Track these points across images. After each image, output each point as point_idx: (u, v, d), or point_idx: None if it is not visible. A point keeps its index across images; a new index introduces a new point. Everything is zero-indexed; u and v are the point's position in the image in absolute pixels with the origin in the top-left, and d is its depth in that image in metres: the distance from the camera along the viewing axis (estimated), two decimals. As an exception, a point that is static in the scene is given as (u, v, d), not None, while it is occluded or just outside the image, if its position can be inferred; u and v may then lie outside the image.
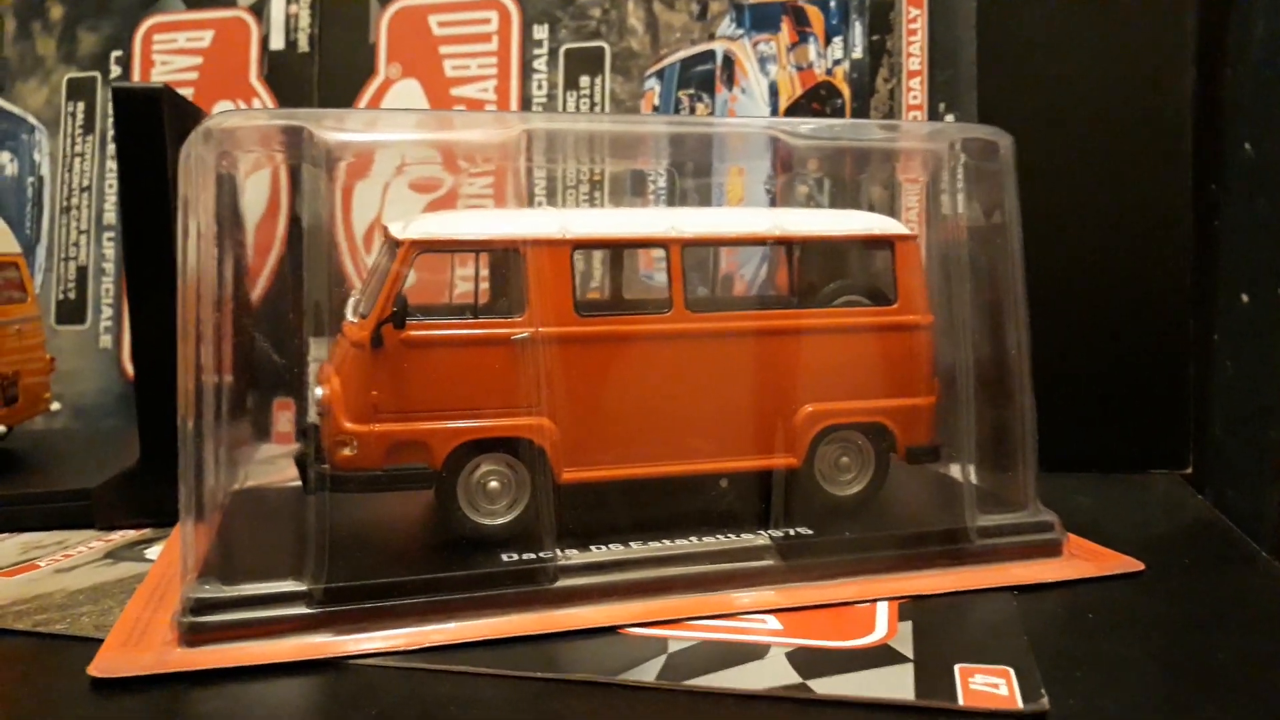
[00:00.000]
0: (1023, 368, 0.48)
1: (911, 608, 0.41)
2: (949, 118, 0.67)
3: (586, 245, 0.44)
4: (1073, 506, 0.56)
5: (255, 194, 0.78)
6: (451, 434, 0.43)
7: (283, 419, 0.78)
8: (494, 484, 0.44)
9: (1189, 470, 0.64)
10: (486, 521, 0.44)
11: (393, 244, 0.43)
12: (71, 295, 0.81)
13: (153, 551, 0.50)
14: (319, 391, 0.44)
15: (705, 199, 0.70)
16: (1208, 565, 0.47)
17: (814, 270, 0.48)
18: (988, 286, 0.48)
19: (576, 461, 0.44)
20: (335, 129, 0.40)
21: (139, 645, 0.38)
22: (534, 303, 0.43)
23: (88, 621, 0.41)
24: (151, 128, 0.53)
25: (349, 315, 0.45)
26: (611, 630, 0.39)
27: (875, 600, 0.42)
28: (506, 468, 0.44)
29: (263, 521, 0.47)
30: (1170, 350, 0.65)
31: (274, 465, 0.70)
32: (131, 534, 0.53)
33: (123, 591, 0.44)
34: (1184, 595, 0.44)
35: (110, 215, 0.81)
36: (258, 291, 0.78)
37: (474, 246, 0.43)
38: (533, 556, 0.42)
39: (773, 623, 0.40)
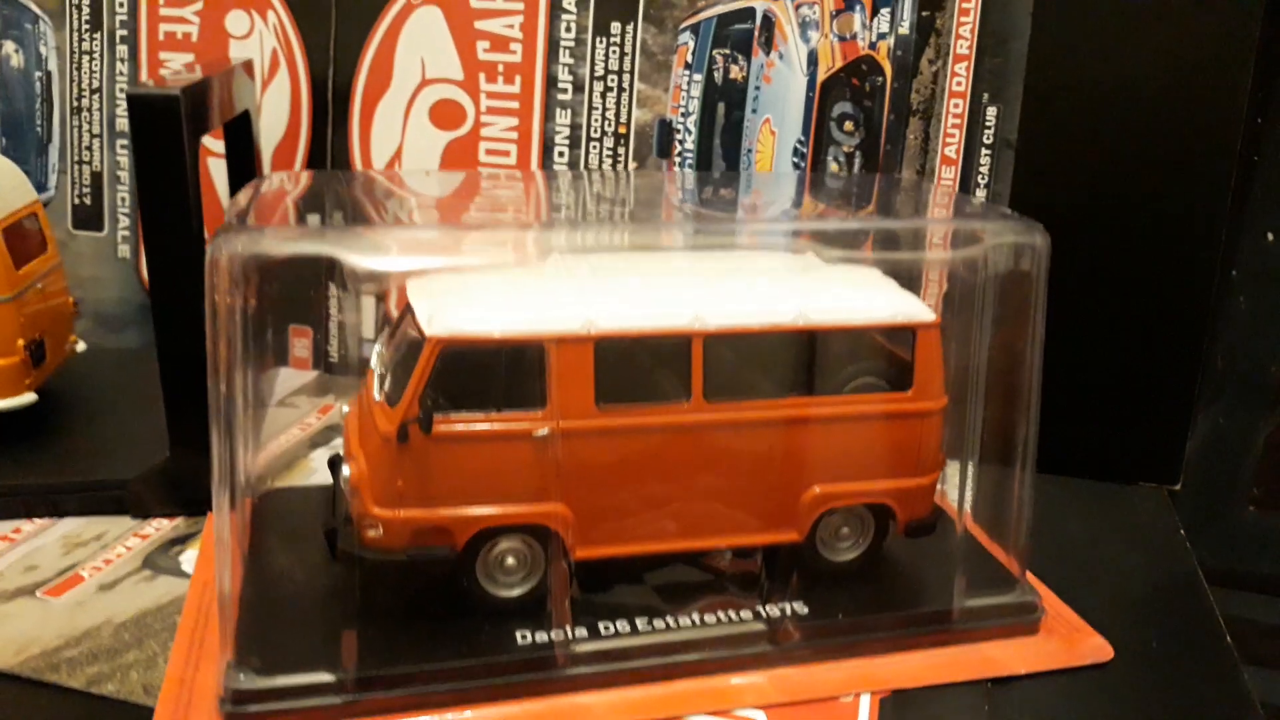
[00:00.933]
0: (1028, 454, 0.49)
1: (890, 712, 0.45)
2: (990, 111, 0.65)
3: (610, 339, 0.45)
4: (1061, 538, 0.59)
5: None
6: (473, 520, 0.45)
7: (299, 345, 0.80)
8: (510, 560, 0.46)
9: (1178, 486, 0.66)
10: (503, 594, 0.47)
11: (418, 338, 0.43)
12: (87, 201, 0.80)
13: (188, 560, 0.53)
14: (346, 471, 0.46)
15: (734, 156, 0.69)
16: (1175, 653, 0.50)
17: (834, 350, 0.48)
18: (1004, 368, 0.49)
19: (590, 540, 0.46)
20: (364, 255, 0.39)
21: (186, 723, 0.41)
22: (555, 397, 0.44)
23: (136, 679, 0.44)
24: (169, 132, 0.52)
25: (375, 391, 0.46)
26: (615, 728, 0.43)
27: (858, 694, 0.46)
28: (523, 545, 0.46)
29: (292, 557, 0.50)
30: (1179, 362, 0.66)
31: (294, 407, 0.72)
32: (165, 526, 0.57)
33: (164, 628, 0.48)
34: (1148, 694, 0.47)
35: (122, 121, 0.79)
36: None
37: (499, 343, 0.44)
38: (545, 639, 0.45)
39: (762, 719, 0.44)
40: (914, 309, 0.48)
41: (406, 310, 0.46)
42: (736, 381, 0.47)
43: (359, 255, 0.39)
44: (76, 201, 0.80)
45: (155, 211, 0.53)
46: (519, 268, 0.48)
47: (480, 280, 0.46)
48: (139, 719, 0.42)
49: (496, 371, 0.44)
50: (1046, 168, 0.64)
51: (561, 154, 0.72)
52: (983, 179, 0.66)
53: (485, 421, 0.44)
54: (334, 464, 0.51)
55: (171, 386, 0.56)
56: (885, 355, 0.49)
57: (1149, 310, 0.66)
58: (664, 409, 0.46)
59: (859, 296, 0.48)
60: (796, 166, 0.69)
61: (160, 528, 0.57)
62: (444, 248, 0.44)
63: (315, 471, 0.63)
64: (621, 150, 0.72)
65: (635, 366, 0.46)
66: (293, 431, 0.67)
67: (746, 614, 0.48)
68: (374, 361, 0.48)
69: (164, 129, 0.51)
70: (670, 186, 0.63)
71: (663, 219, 0.51)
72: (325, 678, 0.42)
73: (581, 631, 0.46)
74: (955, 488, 0.51)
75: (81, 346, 0.69)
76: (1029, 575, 0.52)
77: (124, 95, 0.77)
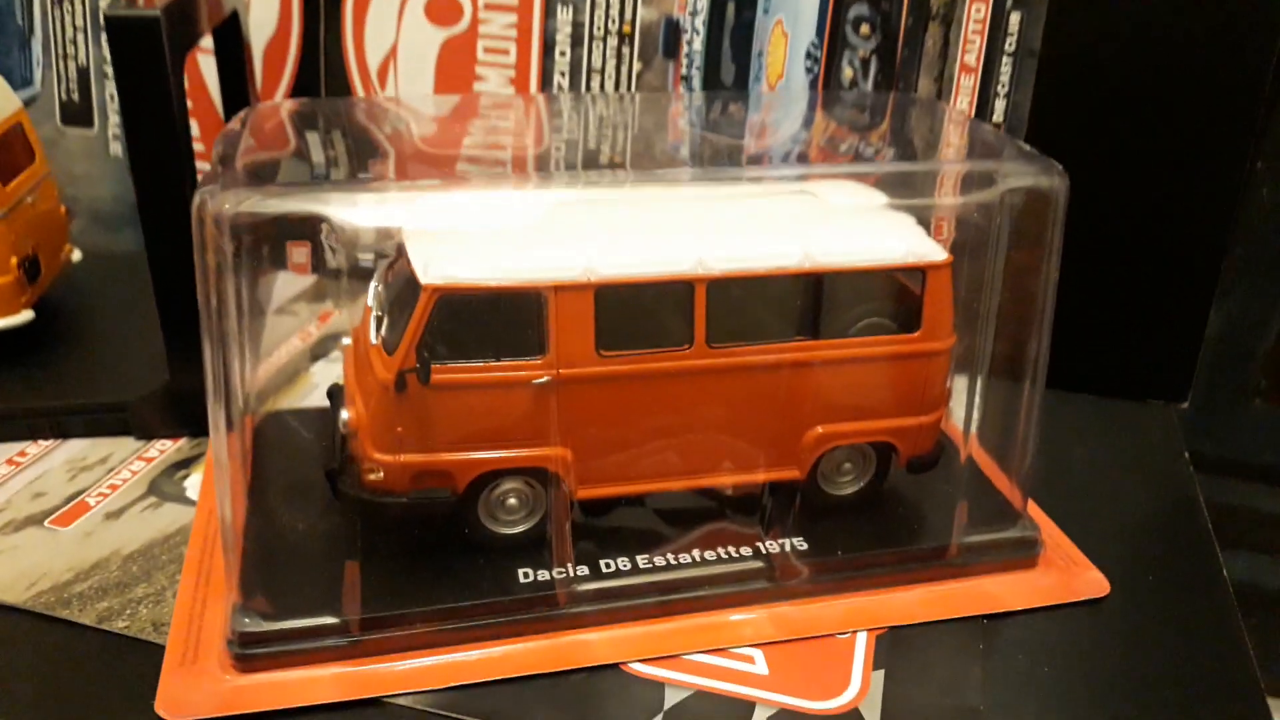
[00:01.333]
0: (1035, 395, 0.49)
1: (886, 648, 0.45)
2: (1013, 17, 0.61)
3: (610, 286, 0.43)
4: (1064, 461, 0.59)
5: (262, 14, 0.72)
6: (473, 464, 0.45)
7: (297, 253, 0.78)
8: (512, 500, 0.46)
9: (1185, 404, 0.66)
10: (504, 530, 0.47)
11: (414, 285, 0.42)
12: (75, 97, 0.77)
13: (192, 485, 0.54)
14: (345, 415, 0.45)
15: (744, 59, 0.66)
16: (1171, 590, 0.51)
17: (841, 292, 0.47)
18: (1015, 302, 0.48)
19: (591, 480, 0.47)
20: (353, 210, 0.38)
21: (195, 666, 0.42)
22: (555, 344, 0.44)
23: (145, 615, 0.45)
24: (151, 56, 0.50)
25: (371, 333, 0.45)
26: (615, 668, 0.44)
27: (855, 631, 0.46)
28: (525, 485, 0.46)
29: (296, 488, 0.50)
30: (1196, 277, 0.64)
31: (293, 315, 0.71)
32: (170, 447, 0.57)
33: (171, 560, 0.49)
34: (1142, 628, 0.48)
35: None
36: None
37: (497, 292, 0.42)
38: (547, 578, 0.45)
39: (760, 663, 0.44)
40: (925, 247, 0.47)
41: (401, 252, 0.45)
42: (740, 325, 0.46)
43: (350, 213, 0.38)
44: (64, 98, 0.78)
45: (141, 136, 0.51)
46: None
47: (478, 249, 0.45)
48: (149, 656, 0.43)
49: (495, 319, 0.43)
50: (1070, 77, 0.62)
51: (563, 53, 0.69)
52: (1003, 88, 0.63)
53: (484, 370, 0.43)
54: (333, 395, 0.51)
55: (167, 307, 0.56)
56: (893, 294, 0.48)
57: (1168, 222, 0.64)
58: (666, 355, 0.45)
59: (867, 235, 0.47)
60: (809, 72, 0.66)
61: (165, 449, 0.57)
62: (439, 209, 0.42)
63: (317, 387, 0.62)
64: (626, 51, 0.69)
65: (636, 312, 0.45)
66: (292, 342, 0.67)
67: (746, 550, 0.48)
68: (370, 299, 0.48)
69: (145, 52, 0.49)
70: (675, 118, 0.60)
71: (665, 164, 0.48)
72: (330, 620, 0.43)
73: (583, 569, 0.46)
74: (961, 406, 0.51)
75: (77, 255, 0.68)
76: (1029, 503, 0.52)
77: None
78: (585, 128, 0.57)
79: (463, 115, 0.59)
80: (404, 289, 0.44)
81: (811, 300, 0.46)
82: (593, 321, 0.44)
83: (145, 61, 0.49)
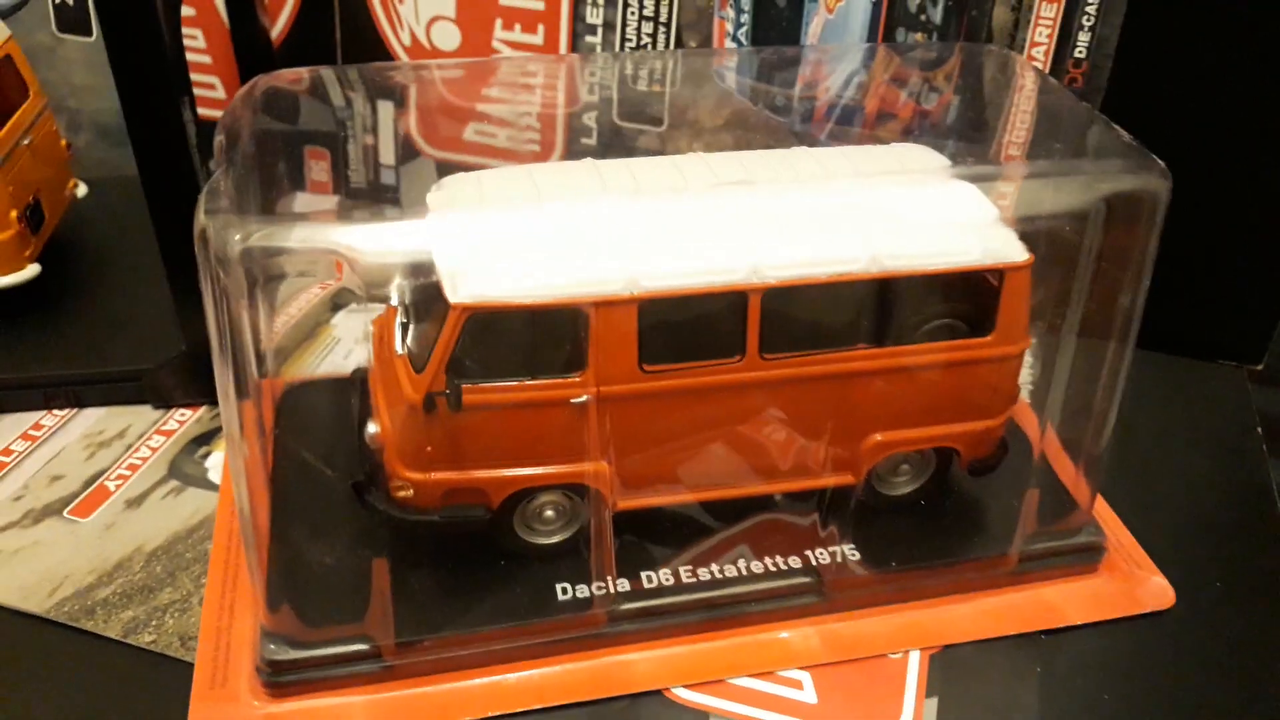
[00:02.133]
0: (1110, 411, 0.45)
1: (939, 671, 0.43)
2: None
3: (655, 300, 0.39)
4: (1129, 436, 0.55)
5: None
6: (509, 481, 0.42)
7: (316, 168, 0.74)
8: (549, 513, 0.44)
9: (1260, 366, 0.62)
10: (541, 541, 0.45)
11: (442, 301, 0.38)
12: (70, 1, 0.71)
13: (214, 465, 0.52)
14: (371, 429, 0.42)
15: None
16: (1239, 596, 0.48)
17: (909, 294, 0.42)
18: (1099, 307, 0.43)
19: (633, 492, 0.44)
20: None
21: (225, 690, 0.41)
22: (595, 361, 0.40)
23: (171, 626, 0.44)
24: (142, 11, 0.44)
25: (397, 341, 0.42)
26: (658, 694, 0.42)
27: (908, 650, 0.44)
28: (562, 498, 0.44)
29: (322, 481, 0.47)
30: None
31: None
32: (189, 418, 0.54)
33: (195, 557, 0.47)
34: (1206, 645, 0.46)
35: (96, -91, 0.69)
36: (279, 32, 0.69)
37: (532, 309, 0.39)
38: (586, 593, 0.43)
39: (809, 689, 0.43)
40: (1003, 246, 0.42)
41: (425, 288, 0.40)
42: (797, 333, 0.42)
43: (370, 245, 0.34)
44: (58, 1, 0.72)
45: (134, 89, 0.47)
46: (548, 186, 0.42)
47: (509, 219, 0.40)
48: (177, 675, 0.42)
49: (530, 336, 0.40)
50: (1163, 9, 0.55)
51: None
52: (1088, 19, 0.56)
53: (518, 390, 0.40)
54: (359, 382, 0.48)
55: (175, 267, 0.52)
56: (967, 293, 0.43)
57: (1260, 166, 0.58)
58: (715, 368, 0.41)
59: (940, 230, 0.42)
60: (875, 5, 0.59)
61: (185, 418, 0.54)
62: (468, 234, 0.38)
63: (339, 341, 0.59)
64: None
65: (683, 322, 0.41)
66: (312, 291, 0.63)
67: (795, 560, 0.46)
68: (393, 296, 0.44)
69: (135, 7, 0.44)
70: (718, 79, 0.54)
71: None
72: (361, 647, 0.41)
73: (623, 582, 0.44)
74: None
75: (82, 190, 0.64)
76: (1093, 497, 0.49)
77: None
78: (617, 105, 0.51)
79: (491, 88, 0.54)
80: (431, 300, 0.40)
81: (876, 304, 0.42)
82: (635, 336, 0.40)
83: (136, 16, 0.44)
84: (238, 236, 0.34)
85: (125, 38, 0.46)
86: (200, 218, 0.35)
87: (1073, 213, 0.39)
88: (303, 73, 0.48)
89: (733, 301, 0.41)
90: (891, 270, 0.41)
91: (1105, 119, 0.43)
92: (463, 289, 0.38)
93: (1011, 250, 0.42)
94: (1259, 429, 0.57)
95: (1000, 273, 0.42)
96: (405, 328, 0.42)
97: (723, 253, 0.40)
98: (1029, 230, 0.41)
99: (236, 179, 0.39)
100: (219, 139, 0.40)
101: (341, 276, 0.66)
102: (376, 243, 0.36)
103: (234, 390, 0.37)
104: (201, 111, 0.72)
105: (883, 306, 0.42)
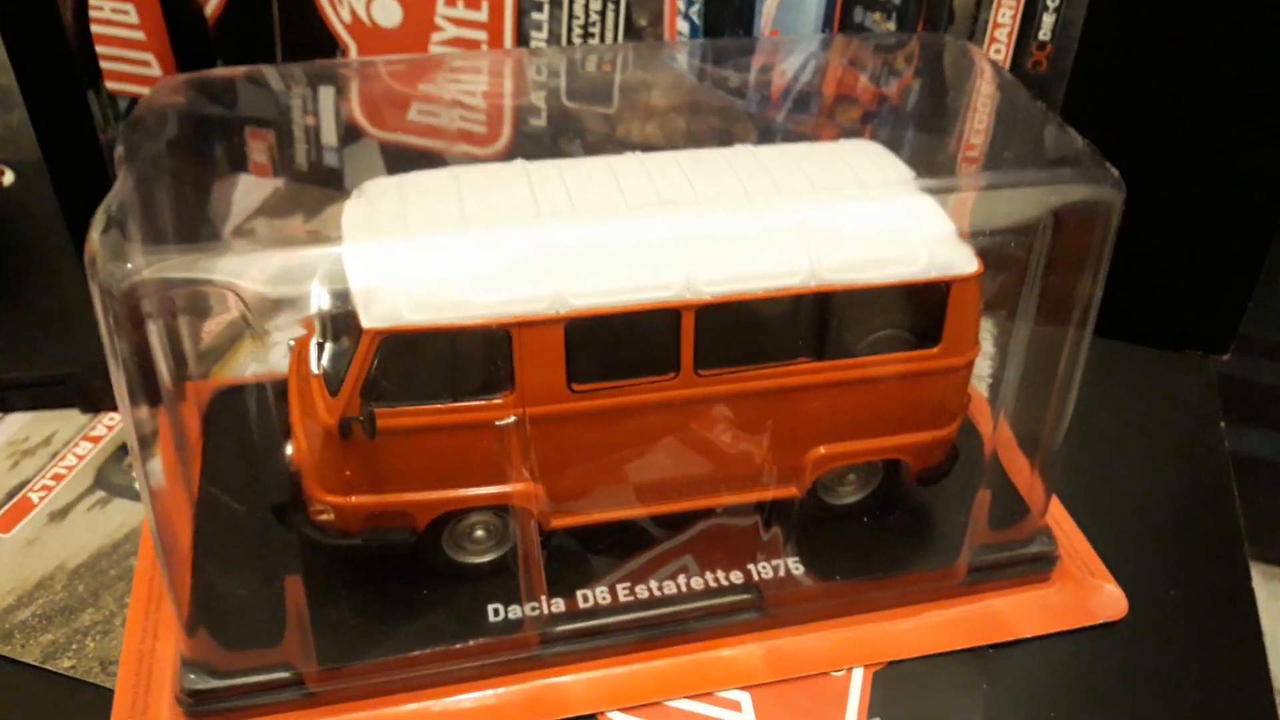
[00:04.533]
0: (1064, 408, 0.43)
1: (882, 689, 0.42)
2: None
3: (583, 319, 0.37)
4: (1088, 431, 0.54)
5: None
6: (434, 503, 0.41)
7: (257, 148, 0.71)
8: (480, 532, 0.42)
9: (1226, 356, 0.60)
10: (472, 560, 0.43)
11: (355, 322, 0.36)
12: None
13: (143, 474, 0.50)
14: (288, 450, 0.41)
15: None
16: (1194, 605, 0.47)
17: (851, 308, 0.40)
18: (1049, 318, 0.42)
19: (566, 511, 0.42)
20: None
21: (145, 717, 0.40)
22: (521, 382, 0.38)
23: (92, 650, 0.42)
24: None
25: (312, 360, 0.40)
26: (592, 719, 0.41)
27: (850, 668, 0.43)
28: (494, 517, 0.42)
29: (249, 493, 0.46)
30: (1254, 216, 0.57)
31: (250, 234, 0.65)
32: (117, 422, 0.52)
33: (119, 575, 0.45)
34: (1159, 658, 0.45)
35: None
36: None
37: (452, 331, 0.37)
38: (519, 614, 0.42)
39: (747, 711, 0.42)
40: (950, 256, 0.40)
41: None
42: (733, 348, 0.40)
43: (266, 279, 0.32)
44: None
45: (36, 82, 0.45)
46: (473, 199, 0.40)
47: (428, 227, 0.38)
48: (97, 700, 0.41)
49: (450, 358, 0.38)
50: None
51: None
52: (1052, 2, 0.54)
53: (439, 413, 0.38)
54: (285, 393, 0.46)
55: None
56: (912, 304, 0.42)
57: (1229, 152, 0.56)
58: (648, 385, 0.40)
59: (884, 241, 0.40)
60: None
61: (114, 423, 0.53)
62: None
63: (279, 343, 0.57)
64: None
65: (614, 339, 0.39)
66: (254, 281, 0.61)
67: (736, 574, 0.44)
68: (312, 303, 0.41)
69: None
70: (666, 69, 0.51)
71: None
72: (283, 674, 0.40)
73: (558, 601, 0.43)
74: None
75: (9, 179, 0.62)
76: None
77: None
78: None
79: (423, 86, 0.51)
80: (344, 319, 0.38)
81: (818, 317, 0.40)
82: (563, 355, 0.38)
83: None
84: (129, 266, 0.32)
85: (21, 26, 0.44)
86: (92, 241, 0.33)
87: (1021, 226, 0.38)
88: (213, 74, 0.45)
89: (666, 318, 0.39)
90: (832, 284, 0.39)
91: (1059, 120, 0.41)
92: (376, 311, 0.36)
93: (960, 260, 0.40)
94: (1222, 424, 0.56)
95: (947, 288, 0.40)
96: (320, 346, 0.40)
97: (655, 268, 0.38)
98: (979, 243, 0.39)
99: (142, 193, 0.37)
100: (119, 151, 0.38)
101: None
102: (288, 275, 0.34)
103: (131, 405, 0.35)
104: (136, 89, 0.70)
105: (825, 319, 0.41)
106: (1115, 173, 0.37)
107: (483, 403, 0.38)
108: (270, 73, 0.51)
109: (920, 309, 0.41)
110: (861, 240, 0.40)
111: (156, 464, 0.38)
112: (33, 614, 0.44)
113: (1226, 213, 0.57)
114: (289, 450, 0.41)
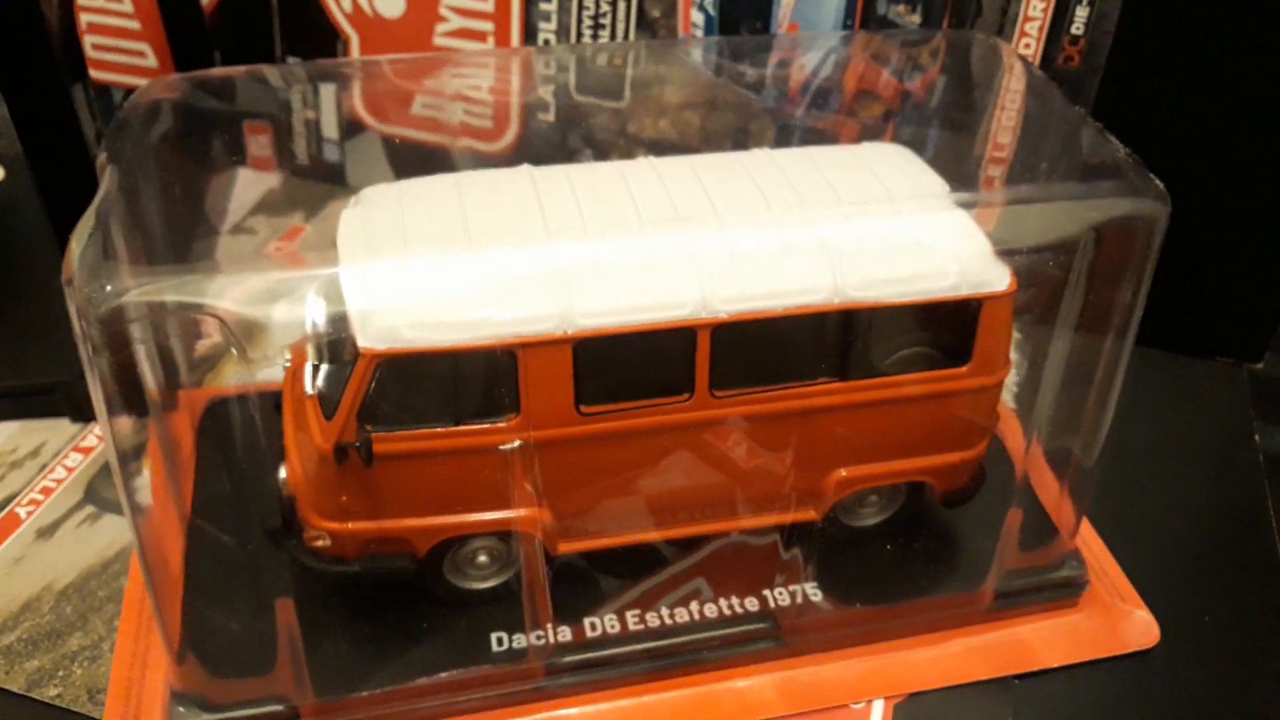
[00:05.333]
0: (1099, 432, 0.41)
1: (905, 717, 0.41)
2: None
3: (593, 339, 0.35)
4: (1117, 446, 0.51)
5: None
6: (435, 529, 0.39)
7: (255, 143, 0.69)
8: (483, 558, 0.41)
9: (1260, 365, 0.58)
10: (474, 586, 0.41)
11: (351, 343, 0.34)
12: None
13: (136, 488, 0.48)
14: (282, 473, 0.39)
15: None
16: (1229, 632, 0.45)
17: (877, 325, 0.38)
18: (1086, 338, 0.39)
19: (573, 536, 0.40)
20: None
21: (133, 757, 0.38)
22: (527, 405, 0.36)
23: (80, 677, 0.40)
24: None
25: (306, 381, 0.38)
26: (600, 755, 0.39)
27: (870, 700, 0.41)
28: (497, 542, 0.40)
29: (242, 513, 0.44)
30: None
31: (251, 233, 0.63)
32: (110, 432, 0.51)
33: (108, 596, 0.43)
34: (1191, 690, 0.43)
35: None
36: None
37: (454, 353, 0.35)
38: (523, 643, 0.40)
39: (762, 745, 0.40)
40: (982, 271, 0.38)
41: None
42: (752, 368, 0.38)
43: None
44: (-27, -41, 0.66)
45: (17, 78, 0.42)
46: (476, 210, 0.38)
47: (428, 242, 0.36)
48: (84, 741, 0.39)
49: (452, 378, 0.36)
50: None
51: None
52: (1088, -7, 0.51)
53: (440, 437, 0.36)
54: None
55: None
56: (941, 320, 0.39)
57: (1265, 158, 0.54)
58: (660, 407, 0.38)
59: (911, 257, 0.38)
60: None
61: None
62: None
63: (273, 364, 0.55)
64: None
65: (625, 359, 0.37)
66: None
67: (751, 602, 0.42)
68: (307, 320, 0.39)
69: None
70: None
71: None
72: (277, 708, 0.38)
73: (564, 630, 0.41)
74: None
75: (0, 174, 0.60)
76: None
77: None
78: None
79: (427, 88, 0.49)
80: (340, 338, 0.36)
81: (840, 336, 0.38)
82: (571, 377, 0.36)
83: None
84: (109, 289, 0.30)
85: (1, 18, 0.41)
86: (71, 260, 0.31)
87: (1061, 243, 0.35)
88: (193, 76, 0.43)
89: (680, 338, 0.37)
90: (855, 302, 0.37)
91: (1098, 125, 0.38)
92: (373, 332, 0.34)
93: (990, 276, 0.38)
94: (1256, 436, 0.54)
95: (979, 305, 0.38)
96: (315, 368, 0.38)
97: (668, 285, 0.36)
98: (1014, 260, 0.37)
99: (127, 200, 0.35)
100: (101, 157, 0.36)
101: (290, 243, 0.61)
102: (280, 298, 0.32)
103: (112, 428, 0.33)
104: (131, 80, 0.68)
105: (849, 337, 0.38)
106: (1159, 185, 0.35)
107: (486, 426, 0.36)
108: (269, 71, 0.49)
109: (950, 326, 0.39)
110: (888, 256, 0.38)
111: (143, 484, 0.37)
112: (18, 638, 0.42)
113: (1261, 215, 0.55)
114: (283, 474, 0.39)
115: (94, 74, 0.67)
